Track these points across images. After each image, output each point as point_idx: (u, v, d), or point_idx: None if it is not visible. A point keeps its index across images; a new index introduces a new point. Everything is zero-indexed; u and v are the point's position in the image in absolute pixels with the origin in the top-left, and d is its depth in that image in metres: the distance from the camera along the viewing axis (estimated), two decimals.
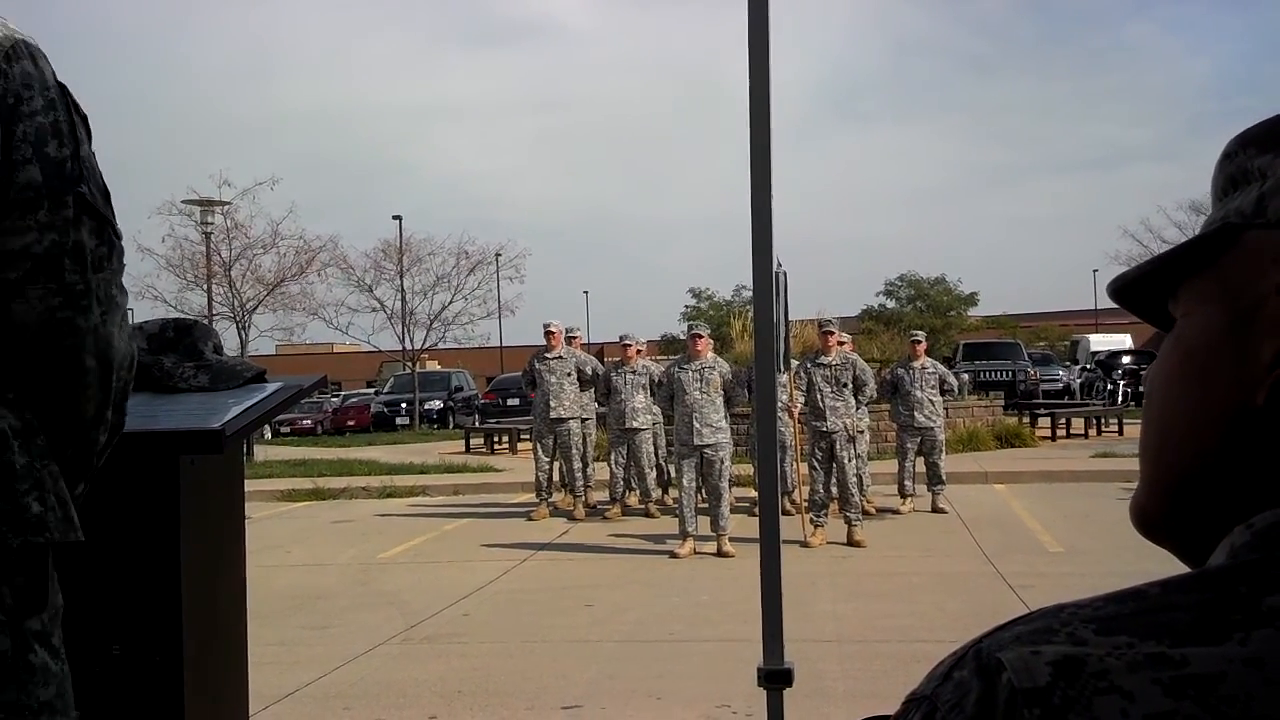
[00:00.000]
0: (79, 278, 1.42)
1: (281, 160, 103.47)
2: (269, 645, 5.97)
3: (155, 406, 2.60)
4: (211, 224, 28.89)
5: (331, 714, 5.17)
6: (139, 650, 2.41)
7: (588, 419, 11.98)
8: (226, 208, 30.20)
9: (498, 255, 38.74)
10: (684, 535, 9.26)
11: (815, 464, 9.83)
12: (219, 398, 2.76)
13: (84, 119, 1.52)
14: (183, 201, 28.90)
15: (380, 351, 40.60)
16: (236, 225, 31.96)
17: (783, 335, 8.09)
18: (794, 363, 10.30)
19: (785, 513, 9.80)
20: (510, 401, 29.12)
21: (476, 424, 27.00)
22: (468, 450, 21.43)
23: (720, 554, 9.11)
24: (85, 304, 1.43)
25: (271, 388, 2.92)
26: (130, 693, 2.41)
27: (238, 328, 32.40)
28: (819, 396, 9.81)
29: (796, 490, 10.68)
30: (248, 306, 32.87)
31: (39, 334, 1.40)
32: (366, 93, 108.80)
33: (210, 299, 30.19)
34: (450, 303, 37.14)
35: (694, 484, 9.43)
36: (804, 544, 9.33)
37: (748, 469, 11.74)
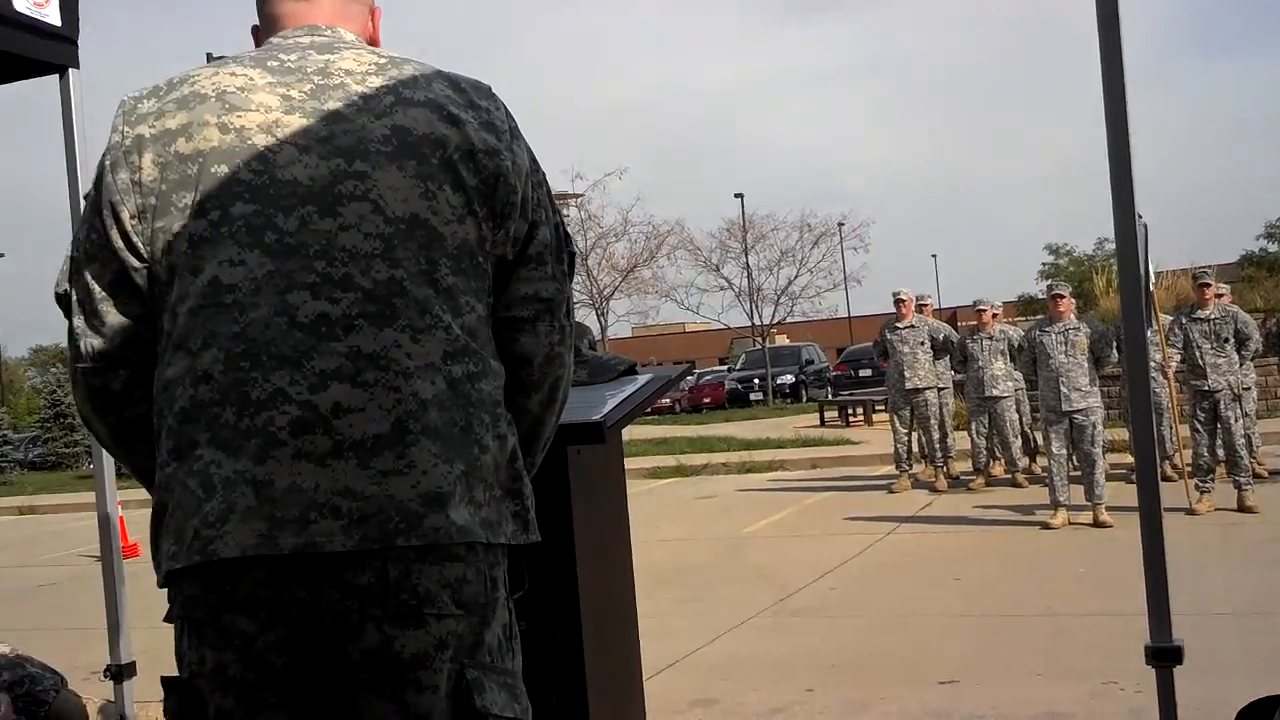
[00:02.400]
0: (568, 321, 1.72)
1: (626, 149, 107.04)
2: (646, 617, 6.23)
3: None
4: (567, 217, 30.49)
5: (712, 684, 5.38)
6: (542, 626, 2.63)
7: (944, 388, 11.72)
8: (580, 200, 31.75)
9: (840, 226, 38.53)
10: (1056, 505, 8.91)
11: (1198, 426, 9.17)
12: (597, 391, 2.96)
13: None
14: None
15: (730, 329, 41.39)
16: (590, 216, 33.57)
17: (1147, 289, 7.62)
18: (1166, 318, 9.67)
19: (1166, 478, 9.23)
20: (862, 373, 28.90)
21: (829, 396, 26.98)
22: (822, 423, 21.48)
23: (1097, 524, 8.70)
24: (570, 344, 1.73)
25: (643, 379, 3.10)
26: (537, 665, 2.65)
27: (596, 314, 34.02)
28: (1198, 353, 9.14)
29: (1178, 454, 10.03)
30: (604, 293, 34.44)
31: (542, 364, 1.69)
32: (699, 74, 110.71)
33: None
34: (796, 276, 37.37)
35: (1064, 451, 9.04)
36: (1189, 511, 8.74)
37: (1121, 434, 11.12)
